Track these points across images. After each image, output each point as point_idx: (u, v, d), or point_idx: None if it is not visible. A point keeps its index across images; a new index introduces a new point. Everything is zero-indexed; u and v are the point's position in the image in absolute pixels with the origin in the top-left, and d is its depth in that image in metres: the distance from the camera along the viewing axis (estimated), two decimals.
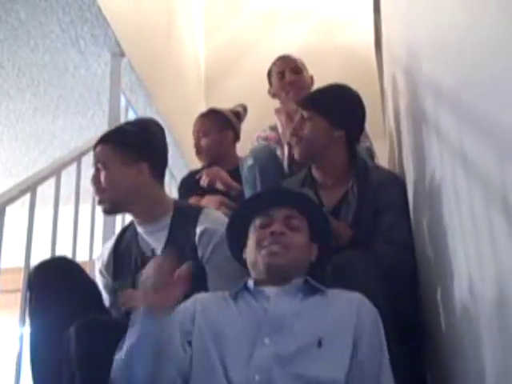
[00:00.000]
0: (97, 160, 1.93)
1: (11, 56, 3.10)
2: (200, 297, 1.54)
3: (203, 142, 2.91)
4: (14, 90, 3.41)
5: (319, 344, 1.35)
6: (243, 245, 1.66)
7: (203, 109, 4.70)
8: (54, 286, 1.68)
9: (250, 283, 1.55)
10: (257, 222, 1.62)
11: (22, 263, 2.07)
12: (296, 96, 2.76)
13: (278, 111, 2.89)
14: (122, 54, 3.10)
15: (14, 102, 3.53)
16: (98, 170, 1.92)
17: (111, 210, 1.96)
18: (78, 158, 2.57)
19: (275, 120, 2.96)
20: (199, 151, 2.94)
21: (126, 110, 3.22)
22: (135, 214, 1.94)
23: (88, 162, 2.65)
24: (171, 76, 4.12)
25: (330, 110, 2.17)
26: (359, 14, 4.69)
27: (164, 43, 4.04)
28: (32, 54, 3.09)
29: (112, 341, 1.41)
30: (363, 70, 4.09)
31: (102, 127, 3.19)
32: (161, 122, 3.62)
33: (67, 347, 1.45)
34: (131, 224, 2.03)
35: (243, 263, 1.66)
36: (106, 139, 1.96)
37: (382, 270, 1.71)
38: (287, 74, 2.87)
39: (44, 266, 1.75)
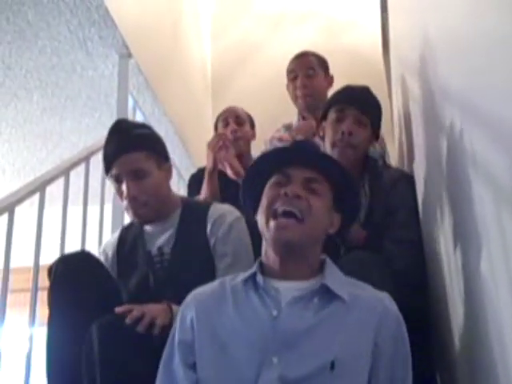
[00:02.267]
0: (128, 171, 1.80)
1: (19, 57, 3.11)
2: (196, 299, 1.39)
3: (241, 130, 2.86)
4: (21, 92, 3.43)
5: (332, 367, 1.21)
6: (257, 205, 1.45)
7: (210, 110, 4.74)
8: (76, 280, 1.67)
9: (260, 278, 1.36)
10: (272, 180, 1.42)
11: (31, 263, 2.08)
12: (304, 103, 2.75)
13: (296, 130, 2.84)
14: (130, 56, 3.11)
15: (21, 103, 3.55)
16: (127, 182, 1.80)
17: (153, 218, 1.87)
18: (86, 159, 2.58)
19: (283, 121, 2.96)
20: (237, 139, 2.82)
21: (134, 111, 3.23)
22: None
23: (96, 162, 2.67)
24: (178, 77, 4.13)
25: (377, 120, 2.16)
26: (366, 15, 4.70)
27: (171, 44, 4.05)
28: (40, 55, 3.11)
29: (134, 342, 1.42)
30: (370, 70, 4.09)
31: None
32: (168, 122, 3.70)
33: (88, 348, 1.43)
34: (133, 223, 1.98)
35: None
36: (134, 147, 1.82)
37: (392, 271, 1.71)
38: (300, 76, 2.77)
39: (67, 260, 1.74)
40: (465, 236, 1.35)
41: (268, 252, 1.40)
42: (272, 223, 1.34)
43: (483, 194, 1.15)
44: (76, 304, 1.64)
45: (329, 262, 1.42)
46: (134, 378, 1.39)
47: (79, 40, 2.98)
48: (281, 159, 1.44)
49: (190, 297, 1.41)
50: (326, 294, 1.32)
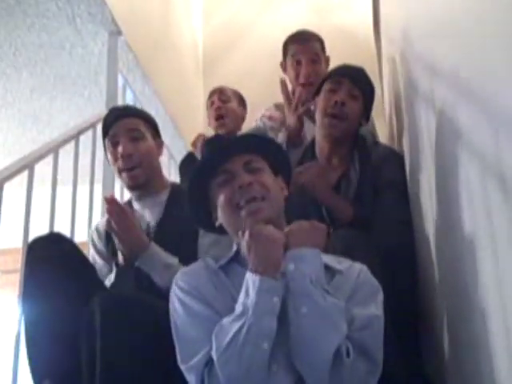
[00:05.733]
0: (126, 130, 1.90)
1: (7, 35, 3.07)
2: (188, 275, 1.43)
3: (226, 107, 2.91)
4: (10, 69, 3.39)
5: None
6: (208, 212, 1.54)
7: (201, 90, 4.71)
8: (48, 262, 1.67)
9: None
10: (216, 182, 1.50)
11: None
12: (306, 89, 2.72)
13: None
14: (119, 33, 3.07)
15: (10, 81, 3.51)
16: (123, 142, 1.89)
17: (143, 183, 1.93)
18: (76, 137, 2.56)
19: (274, 100, 2.94)
20: (222, 116, 2.89)
21: (124, 90, 3.20)
22: (141, 188, 1.95)
23: (86, 141, 2.66)
24: (169, 56, 4.10)
25: (370, 98, 2.20)
26: None
27: (161, 22, 4.01)
28: (28, 32, 3.07)
29: (136, 315, 1.42)
30: (362, 49, 4.08)
31: (100, 107, 3.18)
32: (158, 101, 3.67)
33: (89, 320, 1.43)
34: (126, 203, 2.03)
35: (216, 229, 1.55)
36: (134, 114, 1.97)
37: (382, 251, 1.72)
38: (304, 63, 2.72)
39: (38, 243, 1.75)
40: (451, 211, 1.36)
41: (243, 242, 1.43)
42: (243, 212, 1.41)
43: (469, 168, 1.16)
44: (50, 285, 1.64)
45: None
46: (135, 349, 1.40)
47: (68, 17, 2.94)
48: (213, 161, 1.51)
49: (181, 275, 1.43)
50: (328, 274, 1.38)
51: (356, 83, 2.15)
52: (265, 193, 1.43)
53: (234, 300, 1.30)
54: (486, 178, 1.04)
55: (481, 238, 1.12)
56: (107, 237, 1.96)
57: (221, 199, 1.47)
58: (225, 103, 2.93)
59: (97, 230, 2.03)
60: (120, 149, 1.88)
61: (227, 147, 1.53)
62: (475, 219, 1.16)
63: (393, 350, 1.47)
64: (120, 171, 1.92)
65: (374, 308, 1.31)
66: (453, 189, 1.33)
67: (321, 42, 2.82)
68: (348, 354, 1.20)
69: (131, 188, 1.97)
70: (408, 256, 1.95)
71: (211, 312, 1.31)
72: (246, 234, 1.33)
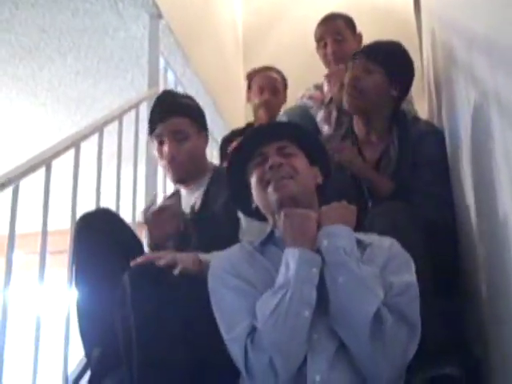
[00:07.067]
0: (171, 131, 1.98)
1: (52, 20, 3.15)
2: (226, 258, 1.48)
3: (276, 98, 2.92)
4: (55, 54, 3.47)
5: None
6: (247, 196, 1.62)
7: (241, 71, 4.73)
8: (97, 236, 1.75)
9: (278, 233, 1.51)
10: (252, 164, 1.60)
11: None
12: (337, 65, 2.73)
13: (328, 76, 2.82)
14: (160, 16, 3.13)
15: (55, 65, 3.59)
16: (168, 142, 1.97)
17: (186, 179, 2.03)
18: (119, 117, 2.63)
19: (314, 81, 2.95)
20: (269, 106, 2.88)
21: (165, 72, 3.25)
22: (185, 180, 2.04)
23: (129, 122, 2.72)
24: (209, 38, 4.13)
25: (393, 68, 2.16)
26: None
27: (202, 5, 4.04)
28: (72, 17, 3.14)
29: (167, 289, 1.46)
30: (402, 28, 4.02)
31: (142, 89, 3.24)
32: (199, 83, 3.71)
33: (122, 296, 1.47)
34: (174, 191, 2.12)
35: (257, 216, 1.64)
36: (178, 113, 2.01)
37: (421, 224, 1.74)
38: (329, 43, 2.78)
39: (88, 218, 1.82)
40: (492, 188, 1.36)
41: (278, 221, 1.50)
42: (270, 188, 1.51)
43: (510, 142, 1.16)
44: (98, 259, 1.72)
45: None
46: (167, 324, 1.43)
47: (110, 1, 3.00)
48: (250, 147, 1.62)
49: (219, 257, 1.50)
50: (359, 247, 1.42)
51: (370, 58, 2.14)
52: (293, 173, 1.53)
53: (271, 276, 1.36)
54: None
55: None
56: None
57: (253, 178, 1.57)
58: (274, 95, 2.93)
59: None
60: (165, 149, 1.98)
61: (265, 133, 1.62)
62: None
63: (435, 318, 1.50)
64: (166, 169, 2.04)
65: (409, 276, 1.37)
66: (493, 163, 1.32)
67: (345, 19, 2.83)
68: (386, 319, 1.24)
69: (175, 182, 2.07)
70: (448, 230, 1.95)
71: (249, 287, 1.38)
72: (282, 215, 1.42)
